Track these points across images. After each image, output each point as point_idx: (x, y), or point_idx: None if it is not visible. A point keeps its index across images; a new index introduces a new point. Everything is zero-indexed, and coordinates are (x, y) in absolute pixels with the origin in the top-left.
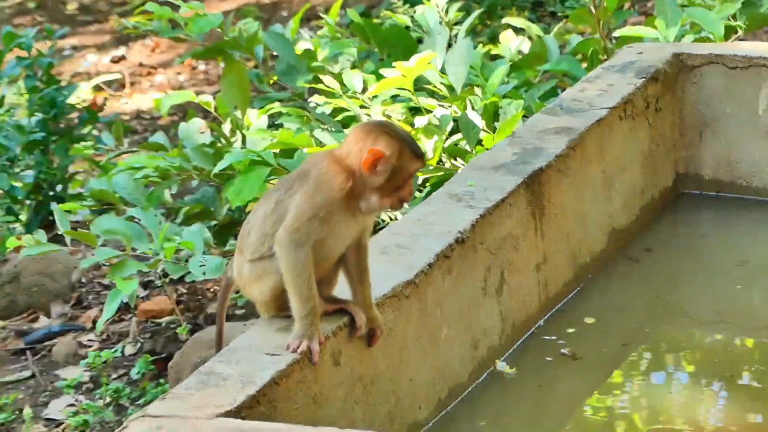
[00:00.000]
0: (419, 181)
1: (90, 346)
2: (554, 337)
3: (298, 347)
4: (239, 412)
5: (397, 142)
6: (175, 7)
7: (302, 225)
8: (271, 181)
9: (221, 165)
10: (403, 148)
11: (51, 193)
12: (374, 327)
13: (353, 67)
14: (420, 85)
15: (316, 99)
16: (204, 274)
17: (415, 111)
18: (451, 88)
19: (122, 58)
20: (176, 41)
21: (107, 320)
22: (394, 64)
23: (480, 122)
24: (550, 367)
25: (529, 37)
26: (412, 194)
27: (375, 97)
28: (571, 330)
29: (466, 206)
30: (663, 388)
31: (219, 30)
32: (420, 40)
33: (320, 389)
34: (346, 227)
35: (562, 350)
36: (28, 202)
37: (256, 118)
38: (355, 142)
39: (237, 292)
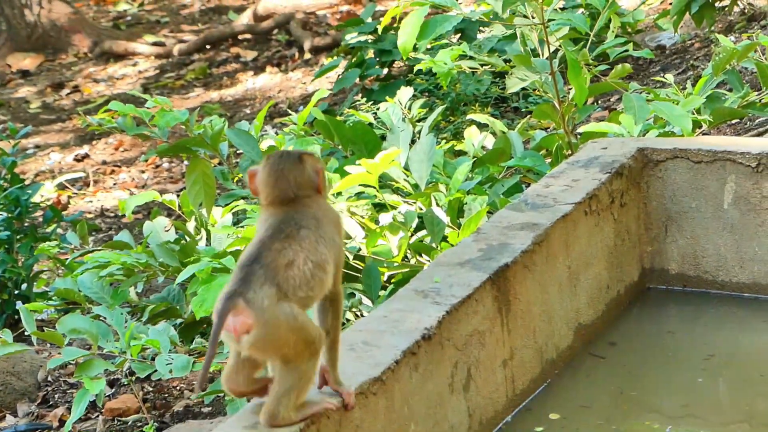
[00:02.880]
0: (384, 278)
1: None
2: None
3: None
4: None
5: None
6: (140, 104)
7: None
8: None
9: (183, 275)
10: None
11: (16, 292)
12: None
13: None
14: (384, 181)
15: None
16: (171, 372)
17: (380, 207)
18: (415, 186)
19: (86, 156)
20: (141, 138)
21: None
22: (358, 161)
23: (445, 218)
24: None
25: (493, 133)
26: None
27: (339, 194)
28: (537, 427)
29: (433, 302)
30: None
31: (183, 127)
32: (383, 137)
33: None
34: None
35: None
36: None
37: (220, 216)
38: (307, 171)
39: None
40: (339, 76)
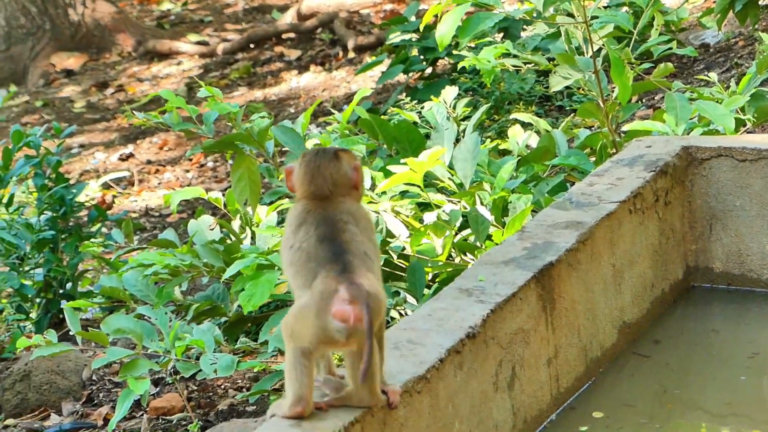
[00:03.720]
0: (429, 277)
1: None
2: None
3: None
4: None
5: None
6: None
7: None
8: (278, 286)
9: (230, 272)
10: None
11: (61, 291)
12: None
13: (362, 163)
14: (429, 180)
15: None
16: (215, 372)
17: (425, 206)
18: (460, 184)
19: (130, 155)
20: (186, 135)
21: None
22: (403, 159)
23: (489, 217)
24: None
25: (537, 132)
26: None
27: (384, 193)
28: (581, 426)
29: (477, 301)
30: None
31: (230, 125)
32: (427, 136)
33: None
34: None
35: None
36: (38, 300)
37: (265, 214)
38: (344, 168)
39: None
40: (382, 72)
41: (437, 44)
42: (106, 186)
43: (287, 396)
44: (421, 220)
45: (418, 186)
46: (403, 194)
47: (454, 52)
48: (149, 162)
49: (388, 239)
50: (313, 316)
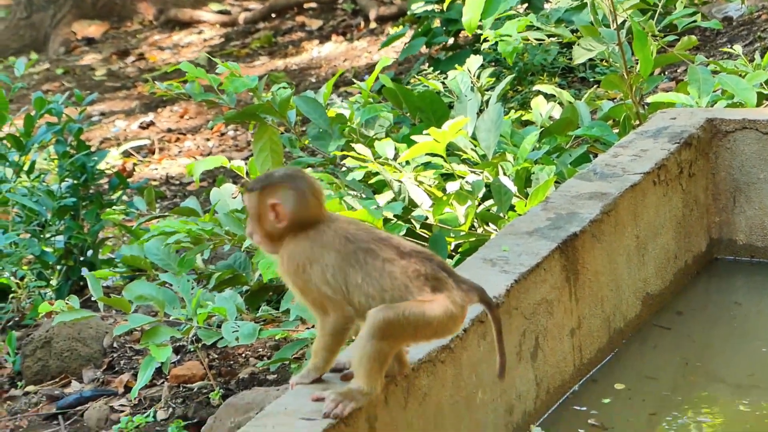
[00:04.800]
0: (451, 247)
1: (122, 411)
2: (587, 405)
3: None
4: None
5: None
6: (208, 70)
7: None
8: None
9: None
10: None
11: (81, 259)
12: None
13: (387, 132)
14: (452, 150)
15: (349, 162)
16: (237, 339)
17: (448, 176)
18: (483, 155)
19: (151, 124)
20: (208, 105)
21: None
22: (426, 129)
23: (512, 188)
24: None
25: (560, 103)
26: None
27: (407, 162)
28: (602, 397)
29: (501, 271)
30: None
31: (251, 94)
32: (450, 106)
33: None
34: None
35: (593, 421)
36: (58, 267)
37: None
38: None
39: None
40: (405, 45)
41: (465, 27)
42: (127, 154)
43: (361, 385)
44: (443, 190)
45: (441, 156)
46: (426, 165)
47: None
48: (170, 130)
49: (411, 208)
50: (452, 323)
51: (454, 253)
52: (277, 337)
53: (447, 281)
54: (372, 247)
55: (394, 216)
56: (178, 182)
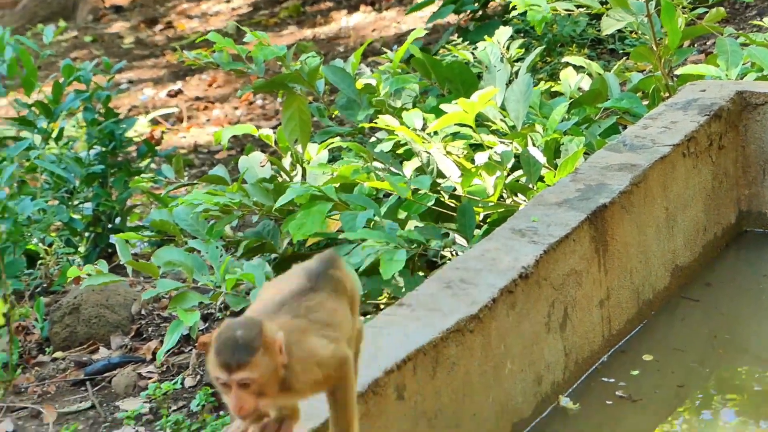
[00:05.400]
0: (480, 218)
1: (150, 378)
2: (615, 376)
3: None
4: None
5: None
6: (237, 39)
7: None
8: (332, 216)
9: (283, 200)
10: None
11: (109, 226)
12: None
13: (414, 102)
14: (480, 121)
15: (380, 130)
16: None
17: (476, 147)
18: (512, 126)
19: (179, 92)
20: (236, 74)
21: (167, 351)
22: (455, 100)
23: (541, 159)
24: (610, 406)
25: (589, 75)
26: (236, 410)
27: (435, 133)
28: (631, 368)
29: (530, 242)
30: (720, 428)
31: (279, 63)
32: (479, 76)
33: (385, 423)
34: None
35: (620, 392)
36: (86, 234)
37: (316, 153)
38: None
39: None
40: (433, 13)
41: None
42: (155, 122)
43: None
44: (472, 161)
45: (470, 126)
46: (455, 135)
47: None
48: (198, 99)
49: (439, 179)
50: None
51: (482, 224)
52: None
53: None
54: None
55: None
56: (206, 150)
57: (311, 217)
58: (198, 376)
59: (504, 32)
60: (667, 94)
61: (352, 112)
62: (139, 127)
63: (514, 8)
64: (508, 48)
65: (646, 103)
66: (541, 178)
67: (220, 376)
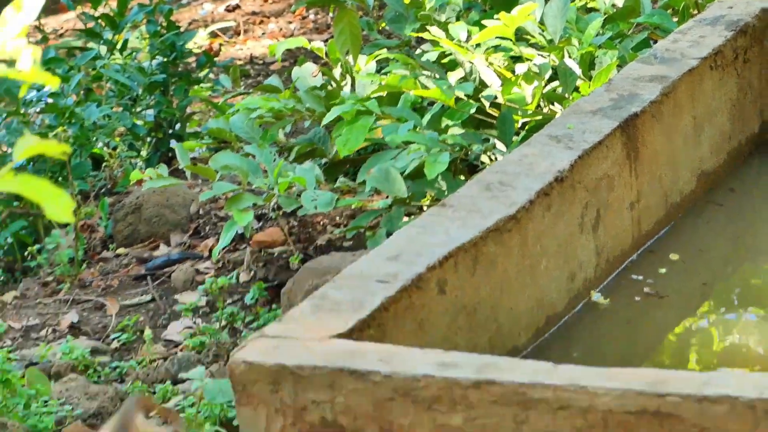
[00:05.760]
0: (520, 124)
1: (206, 273)
2: (643, 274)
3: None
4: (351, 335)
5: None
6: None
7: None
8: (374, 131)
9: (329, 116)
10: None
11: (170, 132)
12: None
13: (458, 16)
14: (520, 35)
15: (425, 42)
16: (316, 207)
17: (516, 59)
18: (549, 40)
19: (236, 7)
20: None
21: (223, 248)
22: (496, 15)
23: (577, 70)
24: (638, 302)
25: None
26: None
27: (478, 45)
28: (658, 267)
29: (566, 147)
30: (743, 324)
31: None
32: None
33: (426, 316)
34: None
35: (648, 289)
36: (148, 139)
37: (365, 63)
38: None
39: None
40: None
41: None
42: (214, 35)
43: None
44: (512, 71)
45: (510, 39)
46: (496, 48)
47: None
48: (254, 13)
49: (481, 88)
50: None
51: (521, 130)
52: (353, 207)
53: None
54: None
55: (465, 96)
56: (261, 62)
57: (355, 131)
58: (252, 272)
59: None
60: (696, 11)
61: (400, 26)
62: (198, 39)
63: None
64: None
65: (675, 19)
66: (576, 89)
67: None
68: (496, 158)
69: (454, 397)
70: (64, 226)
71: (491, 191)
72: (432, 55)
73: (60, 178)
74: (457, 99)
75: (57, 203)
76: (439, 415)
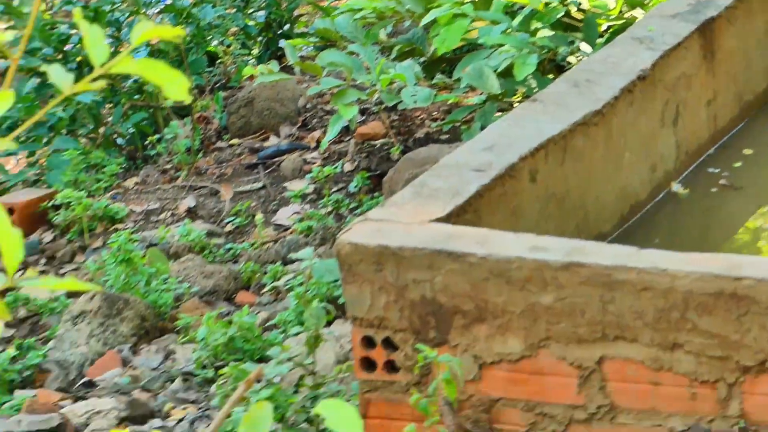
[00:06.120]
0: (604, 28)
1: (313, 163)
2: (720, 167)
3: None
4: (448, 219)
5: None
6: None
7: None
8: (471, 31)
9: (427, 18)
10: None
11: (279, 32)
12: None
13: None
14: None
15: None
16: (415, 102)
17: None
18: None
19: None
20: None
21: (330, 140)
22: None
23: None
24: (715, 192)
25: None
26: None
27: None
28: (733, 161)
29: (647, 48)
30: None
31: None
32: None
33: (519, 203)
34: None
35: (724, 181)
36: (259, 38)
37: None
38: None
39: None
40: None
41: None
42: None
43: None
44: None
45: None
46: None
47: None
48: None
49: None
50: None
51: (604, 33)
52: (449, 102)
53: None
54: None
55: (554, 0)
56: None
57: (452, 32)
58: (355, 162)
59: None
60: None
61: None
62: None
63: None
64: None
65: None
66: None
67: None
68: (582, 59)
69: (545, 278)
70: (183, 117)
71: (578, 88)
72: None
73: None
74: (546, 3)
75: (174, 84)
76: (530, 295)
